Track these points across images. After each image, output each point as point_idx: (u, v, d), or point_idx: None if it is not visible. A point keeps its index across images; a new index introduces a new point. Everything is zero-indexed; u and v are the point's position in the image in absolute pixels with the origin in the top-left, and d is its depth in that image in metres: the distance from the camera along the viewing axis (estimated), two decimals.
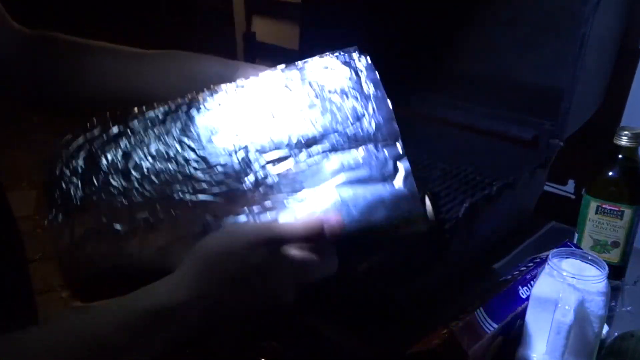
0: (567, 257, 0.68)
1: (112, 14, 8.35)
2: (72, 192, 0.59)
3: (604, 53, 1.11)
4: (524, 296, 0.72)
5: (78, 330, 0.49)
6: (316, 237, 0.54)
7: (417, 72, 1.38)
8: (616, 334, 0.77)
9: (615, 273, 0.91)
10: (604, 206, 0.90)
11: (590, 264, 0.67)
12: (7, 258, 0.70)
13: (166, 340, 0.52)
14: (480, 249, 0.99)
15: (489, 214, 0.94)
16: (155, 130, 0.61)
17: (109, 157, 0.60)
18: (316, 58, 0.65)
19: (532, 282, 0.73)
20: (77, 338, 0.48)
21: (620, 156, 0.88)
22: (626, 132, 0.86)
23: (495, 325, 0.67)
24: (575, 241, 0.95)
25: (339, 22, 1.51)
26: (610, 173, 0.89)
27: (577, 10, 1.11)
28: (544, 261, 0.75)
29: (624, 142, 0.86)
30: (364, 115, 0.63)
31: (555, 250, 0.70)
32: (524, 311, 0.70)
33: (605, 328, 0.75)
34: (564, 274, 0.65)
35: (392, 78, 0.74)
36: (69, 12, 7.60)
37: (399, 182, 0.59)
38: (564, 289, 0.64)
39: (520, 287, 0.73)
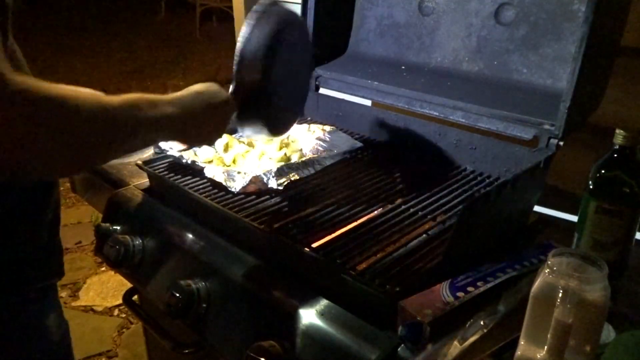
0: (567, 257, 0.68)
1: (113, 13, 8.37)
2: None
3: (603, 53, 1.11)
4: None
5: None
6: None
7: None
8: (616, 334, 0.77)
9: (615, 273, 0.91)
10: (603, 206, 0.90)
11: (590, 264, 0.67)
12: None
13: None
14: (481, 249, 0.99)
15: (489, 214, 0.94)
16: None
17: None
18: None
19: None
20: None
21: (619, 156, 0.88)
22: (625, 132, 0.86)
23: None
24: (575, 241, 0.95)
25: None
26: (610, 173, 0.89)
27: (577, 10, 1.12)
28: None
29: (623, 142, 0.87)
30: None
31: (555, 250, 0.70)
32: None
33: (605, 328, 0.75)
34: (564, 274, 0.65)
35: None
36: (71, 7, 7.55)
37: None
38: (564, 289, 0.64)
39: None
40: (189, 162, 1.17)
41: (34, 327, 0.90)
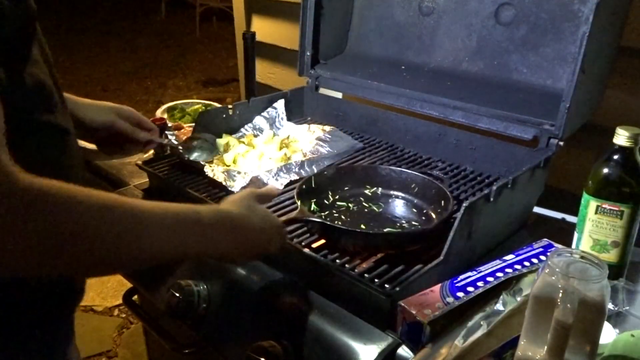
0: (567, 257, 0.68)
1: (113, 13, 8.36)
2: None
3: (603, 53, 1.11)
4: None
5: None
6: None
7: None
8: (616, 333, 0.77)
9: (615, 273, 0.91)
10: (603, 206, 0.90)
11: (590, 264, 0.67)
12: None
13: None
14: (481, 249, 0.99)
15: (489, 214, 0.94)
16: None
17: None
18: None
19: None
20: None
21: (619, 156, 0.88)
22: (625, 132, 0.86)
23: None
24: (575, 241, 0.95)
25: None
26: (610, 173, 0.89)
27: (577, 10, 1.12)
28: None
29: (623, 142, 0.86)
30: None
31: (555, 250, 0.70)
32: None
33: (605, 328, 0.75)
34: (564, 274, 0.65)
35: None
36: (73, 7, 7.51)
37: None
38: (564, 289, 0.64)
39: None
40: (190, 159, 1.16)
41: (45, 350, 0.83)
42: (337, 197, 1.08)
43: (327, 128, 1.37)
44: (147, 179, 1.24)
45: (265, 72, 2.21)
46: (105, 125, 1.05)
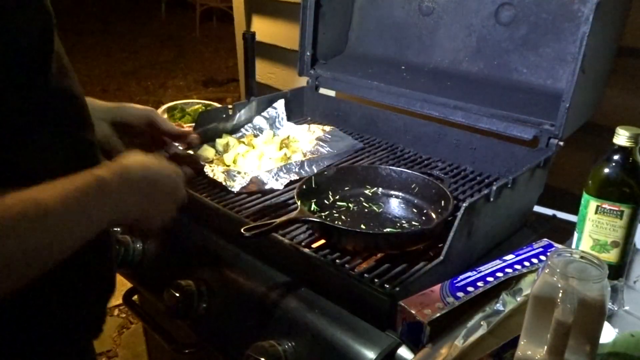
0: (567, 257, 0.68)
1: (113, 13, 8.35)
2: None
3: (603, 53, 1.11)
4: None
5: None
6: None
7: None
8: (616, 333, 0.77)
9: (615, 273, 0.91)
10: (603, 206, 0.90)
11: (589, 264, 0.67)
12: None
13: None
14: (481, 249, 0.99)
15: (489, 214, 0.94)
16: None
17: None
18: None
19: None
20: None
21: (619, 156, 0.88)
22: (625, 132, 0.86)
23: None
24: (574, 241, 0.95)
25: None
26: (610, 173, 0.89)
27: (577, 10, 1.12)
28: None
29: (623, 142, 0.86)
30: None
31: (555, 250, 0.70)
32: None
33: (605, 328, 0.75)
34: (564, 274, 0.65)
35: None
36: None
37: None
38: (564, 289, 0.64)
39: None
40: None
41: None
42: (337, 197, 1.08)
43: (327, 128, 1.37)
44: None
45: (265, 72, 2.21)
46: (143, 116, 1.01)
